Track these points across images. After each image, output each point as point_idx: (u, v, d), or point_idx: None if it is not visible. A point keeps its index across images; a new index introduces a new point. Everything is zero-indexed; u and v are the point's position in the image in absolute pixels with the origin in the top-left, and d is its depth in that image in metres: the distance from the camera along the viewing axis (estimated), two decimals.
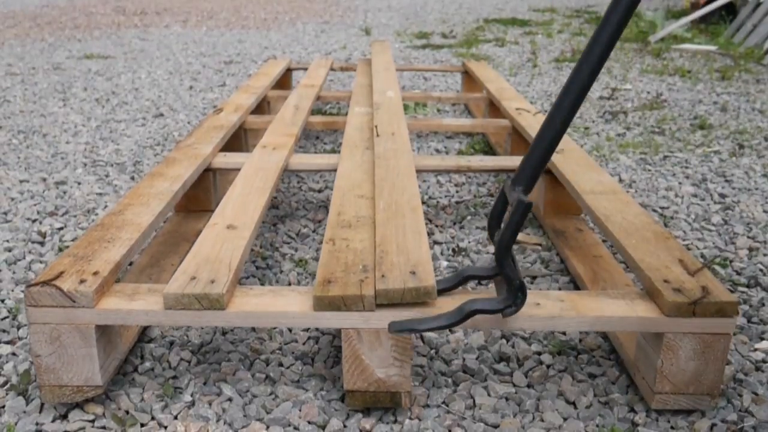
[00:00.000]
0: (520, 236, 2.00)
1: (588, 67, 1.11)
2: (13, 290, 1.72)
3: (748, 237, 2.04)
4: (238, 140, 2.48)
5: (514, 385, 1.35)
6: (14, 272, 1.81)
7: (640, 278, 1.31)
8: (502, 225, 1.15)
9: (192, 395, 1.31)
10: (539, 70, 4.83)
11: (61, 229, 2.10)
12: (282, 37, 6.58)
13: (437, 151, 2.91)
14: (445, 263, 1.84)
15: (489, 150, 2.89)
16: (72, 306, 1.19)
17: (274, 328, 1.53)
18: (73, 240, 2.01)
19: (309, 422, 1.24)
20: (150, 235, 1.49)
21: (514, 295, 1.17)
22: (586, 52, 1.11)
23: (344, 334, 1.20)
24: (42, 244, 2.00)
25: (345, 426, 1.23)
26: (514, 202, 1.14)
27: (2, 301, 1.67)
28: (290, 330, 1.53)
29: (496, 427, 1.23)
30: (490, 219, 1.30)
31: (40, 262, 1.88)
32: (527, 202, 1.12)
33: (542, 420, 1.25)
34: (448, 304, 1.23)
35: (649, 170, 2.65)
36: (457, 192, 2.40)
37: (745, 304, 1.67)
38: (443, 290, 1.28)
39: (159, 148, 2.92)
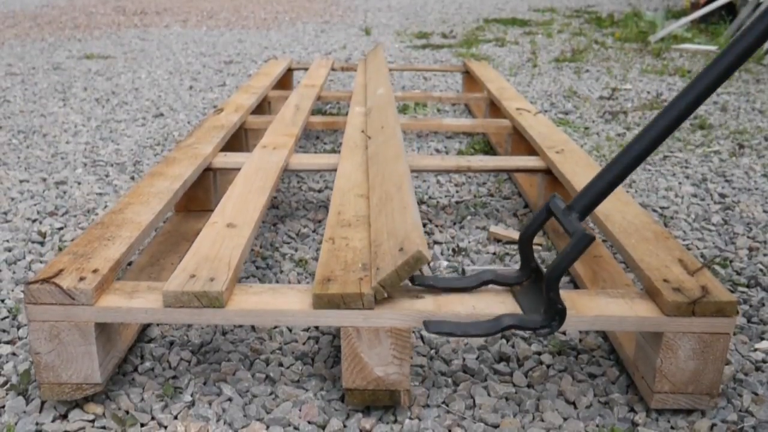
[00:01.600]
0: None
1: (675, 111, 1.14)
2: (13, 290, 1.72)
3: (748, 237, 2.04)
4: (239, 140, 2.48)
5: (514, 385, 1.35)
6: (14, 272, 1.81)
7: (640, 278, 1.31)
8: (560, 252, 1.15)
9: (192, 395, 1.31)
10: (539, 70, 4.83)
11: (61, 229, 2.10)
12: (282, 37, 6.58)
13: (437, 151, 2.91)
14: (445, 263, 1.84)
15: (489, 150, 2.89)
16: (71, 303, 1.19)
17: (275, 328, 1.53)
18: (73, 240, 2.01)
19: (309, 422, 1.24)
20: (150, 233, 1.49)
21: (552, 317, 1.18)
22: (685, 90, 1.14)
23: (343, 332, 1.20)
24: (42, 244, 2.00)
25: (345, 426, 1.23)
26: (574, 232, 1.15)
27: (2, 301, 1.67)
28: (290, 330, 1.53)
29: (496, 427, 1.24)
30: (526, 229, 1.30)
31: (40, 262, 1.88)
32: (590, 236, 1.13)
33: (542, 420, 1.25)
34: (448, 303, 1.23)
35: (649, 170, 2.65)
36: (457, 192, 2.40)
37: (745, 304, 1.67)
38: (463, 289, 1.28)
39: (159, 148, 2.92)
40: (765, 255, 1.93)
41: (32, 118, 3.46)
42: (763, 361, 1.44)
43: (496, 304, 1.24)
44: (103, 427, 1.23)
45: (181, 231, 1.89)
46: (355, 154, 1.99)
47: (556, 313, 1.17)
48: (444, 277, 1.28)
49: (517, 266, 1.82)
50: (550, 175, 2.01)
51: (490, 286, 1.31)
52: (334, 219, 1.52)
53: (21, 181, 2.51)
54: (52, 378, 1.23)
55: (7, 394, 1.32)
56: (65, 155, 2.82)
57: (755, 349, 1.47)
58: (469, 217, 2.16)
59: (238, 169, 1.94)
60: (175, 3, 10.31)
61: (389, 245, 1.29)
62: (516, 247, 1.95)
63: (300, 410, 1.27)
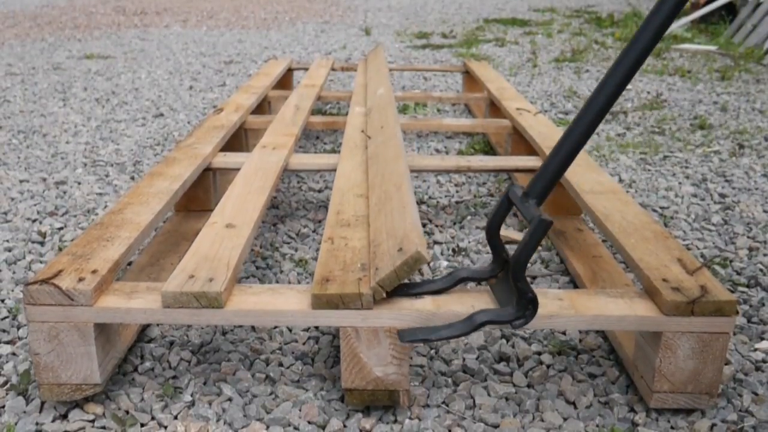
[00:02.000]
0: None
1: (612, 84, 1.13)
2: (13, 290, 1.72)
3: (748, 237, 2.04)
4: (239, 140, 2.48)
5: (514, 385, 1.35)
6: (14, 272, 1.81)
7: (639, 277, 1.31)
8: (521, 241, 1.15)
9: (192, 395, 1.31)
10: (539, 70, 4.83)
11: (61, 229, 2.10)
12: (282, 37, 6.58)
13: (437, 150, 2.91)
14: (445, 263, 1.84)
15: (489, 150, 2.89)
16: (70, 304, 1.19)
17: (275, 328, 1.54)
18: (73, 240, 2.01)
19: (309, 422, 1.24)
20: (149, 234, 1.49)
21: (525, 307, 1.18)
22: (612, 68, 1.14)
23: (342, 333, 1.20)
24: (42, 244, 2.00)
25: (345, 426, 1.23)
26: (531, 219, 1.14)
27: (2, 301, 1.67)
28: (290, 330, 1.53)
29: (496, 427, 1.24)
30: (490, 222, 1.30)
31: (40, 262, 1.88)
32: (547, 221, 1.12)
33: (542, 420, 1.25)
34: (447, 302, 1.23)
35: (649, 170, 2.65)
36: (457, 192, 2.40)
37: (745, 304, 1.67)
38: (439, 291, 1.28)
39: (159, 148, 2.92)
40: (765, 255, 1.93)
41: (32, 118, 3.46)
42: (763, 361, 1.44)
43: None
44: (103, 427, 1.23)
45: (181, 231, 1.89)
46: (354, 154, 1.99)
47: (529, 302, 1.18)
48: (417, 282, 1.28)
49: None
50: None
51: (484, 284, 1.31)
52: (334, 219, 1.52)
53: (21, 181, 2.51)
54: (52, 378, 1.23)
55: (7, 394, 1.32)
56: (65, 155, 2.82)
57: (755, 349, 1.48)
58: (469, 217, 2.17)
59: (238, 169, 1.94)
60: (175, 3, 10.31)
61: (388, 245, 1.29)
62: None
63: (300, 410, 1.27)
